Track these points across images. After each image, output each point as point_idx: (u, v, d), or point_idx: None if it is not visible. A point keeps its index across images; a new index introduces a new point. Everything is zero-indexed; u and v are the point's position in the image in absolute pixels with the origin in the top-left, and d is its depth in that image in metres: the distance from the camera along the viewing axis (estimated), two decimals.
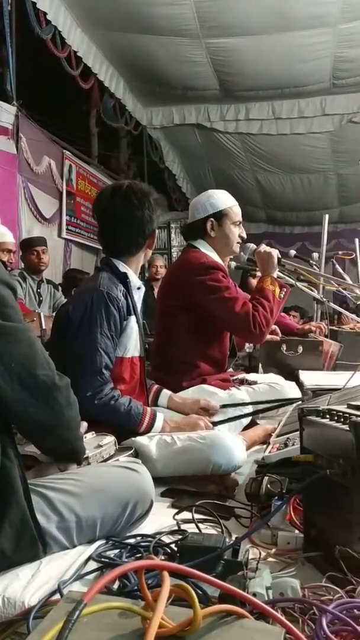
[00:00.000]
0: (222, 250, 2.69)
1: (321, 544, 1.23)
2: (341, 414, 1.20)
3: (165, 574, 0.72)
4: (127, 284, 2.01)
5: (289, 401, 2.42)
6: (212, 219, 2.65)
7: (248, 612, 0.80)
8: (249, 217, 10.73)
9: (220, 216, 2.66)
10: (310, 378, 2.68)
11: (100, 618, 0.75)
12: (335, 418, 1.21)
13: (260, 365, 3.24)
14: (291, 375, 2.87)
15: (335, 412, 1.23)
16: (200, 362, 2.58)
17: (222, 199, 2.69)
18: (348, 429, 1.11)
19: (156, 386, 2.30)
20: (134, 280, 2.05)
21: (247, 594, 0.92)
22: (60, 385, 1.25)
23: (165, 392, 2.29)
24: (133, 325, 2.00)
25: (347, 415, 1.17)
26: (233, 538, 1.30)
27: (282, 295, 2.58)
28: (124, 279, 2.01)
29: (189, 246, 2.72)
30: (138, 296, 2.09)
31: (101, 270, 2.07)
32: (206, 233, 2.66)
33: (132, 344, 2.01)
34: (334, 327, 3.94)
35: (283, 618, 0.82)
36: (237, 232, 2.69)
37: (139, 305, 2.08)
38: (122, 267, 2.05)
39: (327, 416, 1.25)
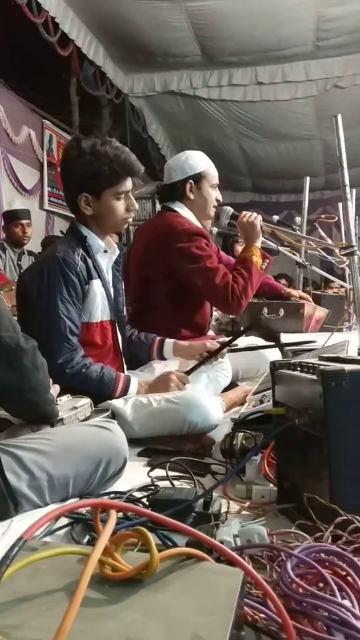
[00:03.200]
0: (200, 213, 2.65)
1: (294, 495, 1.24)
2: (311, 365, 1.19)
3: (112, 511, 0.71)
4: (86, 248, 1.96)
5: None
6: (191, 181, 2.61)
7: (215, 560, 0.79)
8: (235, 186, 10.63)
9: (199, 178, 2.62)
10: (291, 340, 2.67)
11: (59, 565, 0.74)
12: (305, 370, 1.20)
13: (242, 329, 3.23)
14: (273, 338, 2.86)
15: (305, 364, 1.22)
16: (180, 327, 2.56)
17: (200, 161, 2.65)
18: (316, 378, 1.11)
19: (158, 338, 2.31)
20: (96, 243, 1.99)
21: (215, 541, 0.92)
22: (26, 347, 1.23)
23: (169, 341, 2.30)
24: (96, 290, 1.96)
25: (317, 365, 1.16)
26: None
27: (264, 267, 2.56)
28: (83, 242, 1.97)
29: (166, 209, 2.67)
30: (108, 259, 2.05)
31: (65, 236, 2.05)
32: (185, 195, 2.62)
33: (98, 309, 1.98)
34: (317, 292, 3.94)
35: (246, 563, 0.81)
36: (214, 195, 2.66)
37: (107, 268, 2.05)
38: (84, 230, 2.00)
39: (298, 368, 1.25)
